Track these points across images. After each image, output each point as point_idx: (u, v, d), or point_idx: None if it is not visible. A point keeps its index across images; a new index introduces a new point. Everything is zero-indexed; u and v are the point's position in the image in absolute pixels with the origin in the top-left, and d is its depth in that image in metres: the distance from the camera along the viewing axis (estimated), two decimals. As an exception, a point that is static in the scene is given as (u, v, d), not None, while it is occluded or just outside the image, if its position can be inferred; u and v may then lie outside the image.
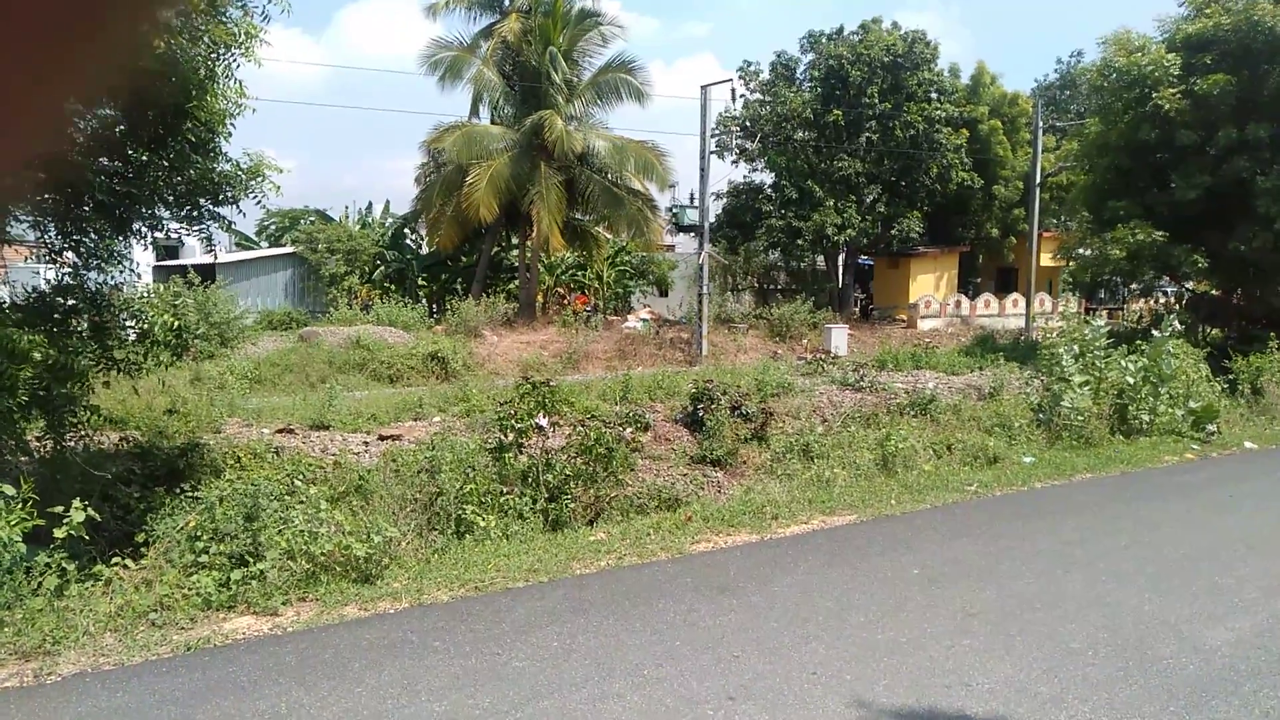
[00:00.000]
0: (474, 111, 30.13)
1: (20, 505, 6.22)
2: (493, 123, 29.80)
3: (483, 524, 8.78)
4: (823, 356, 19.04)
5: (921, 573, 7.53)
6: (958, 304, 34.83)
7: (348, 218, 36.75)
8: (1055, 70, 46.02)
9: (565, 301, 30.74)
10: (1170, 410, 14.66)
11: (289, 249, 33.25)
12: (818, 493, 10.43)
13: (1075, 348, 14.70)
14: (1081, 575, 7.56)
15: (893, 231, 33.51)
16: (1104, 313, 30.75)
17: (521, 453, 10.26)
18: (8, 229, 7.26)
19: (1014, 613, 6.61)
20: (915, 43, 35.75)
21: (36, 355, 6.60)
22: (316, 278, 31.21)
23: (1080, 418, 13.73)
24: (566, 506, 9.74)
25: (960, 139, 35.63)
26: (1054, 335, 15.29)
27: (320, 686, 5.27)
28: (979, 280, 40.97)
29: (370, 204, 46.48)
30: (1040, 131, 31.72)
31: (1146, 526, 9.25)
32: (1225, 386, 16.49)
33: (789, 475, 11.46)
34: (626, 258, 34.06)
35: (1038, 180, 31.43)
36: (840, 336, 24.86)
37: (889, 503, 10.06)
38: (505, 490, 9.58)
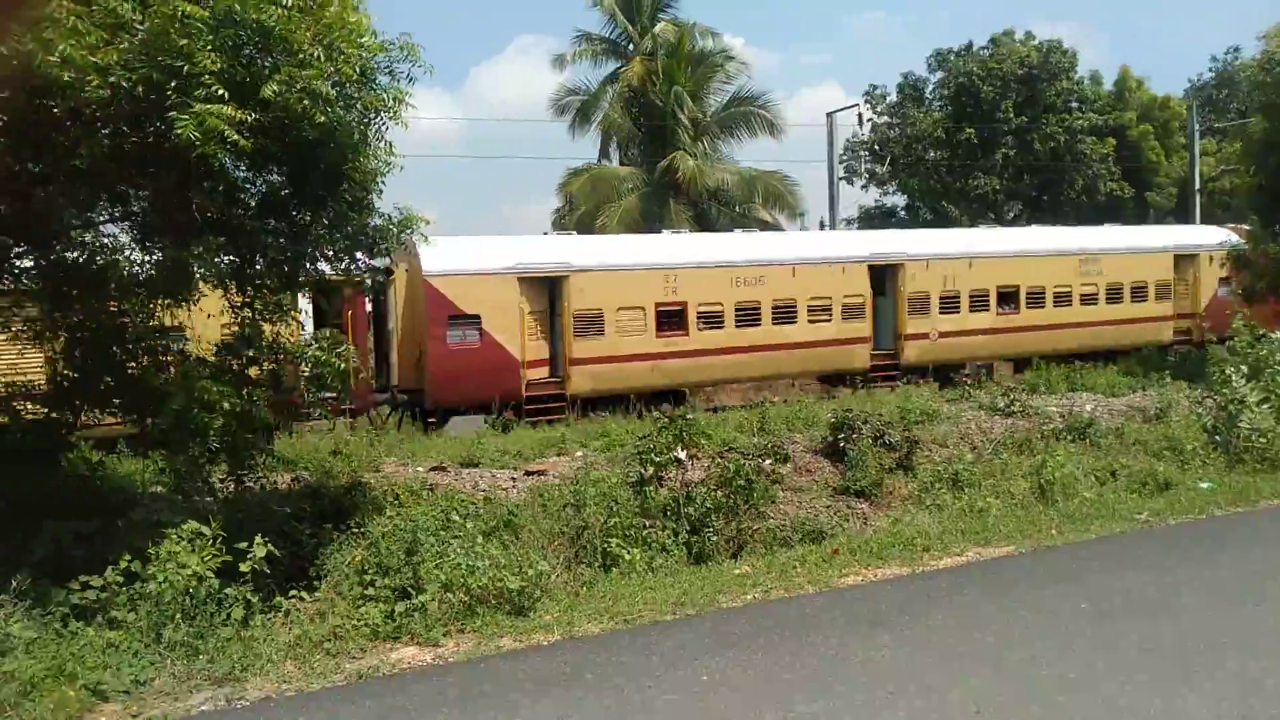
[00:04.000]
0: (603, 153, 31.01)
1: (212, 543, 6.78)
2: (621, 164, 30.57)
3: (628, 557, 8.90)
4: (968, 380, 18.32)
5: (1090, 606, 7.10)
6: (1114, 320, 32.84)
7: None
8: (1210, 69, 43.10)
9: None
10: (1374, 428, 13.28)
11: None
12: (970, 523, 10.02)
13: (1246, 365, 13.58)
14: (1273, 609, 6.96)
15: (1037, 249, 32.12)
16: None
17: (662, 486, 10.35)
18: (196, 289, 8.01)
19: (1196, 649, 6.14)
20: (1051, 52, 34.42)
21: (226, 405, 7.23)
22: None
23: (1263, 439, 12.65)
24: (709, 539, 9.73)
25: (1106, 148, 33.90)
26: (1223, 350, 14.18)
27: (481, 717, 5.46)
28: (1135, 295, 38.52)
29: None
30: (1196, 134, 29.83)
31: (1348, 556, 8.42)
32: None
33: (938, 505, 11.07)
34: (758, 289, 33.94)
35: (1196, 186, 29.49)
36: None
37: (1049, 533, 9.55)
38: (648, 524, 9.68)
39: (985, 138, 33.74)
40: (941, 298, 20.85)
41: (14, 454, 8.20)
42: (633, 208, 26.86)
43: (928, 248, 21.33)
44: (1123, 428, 13.84)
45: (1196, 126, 31.05)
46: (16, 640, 5.79)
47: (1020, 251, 22.25)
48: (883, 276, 20.66)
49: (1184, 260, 24.14)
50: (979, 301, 21.32)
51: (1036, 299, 21.94)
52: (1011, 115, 33.52)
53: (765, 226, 29.04)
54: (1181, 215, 33.19)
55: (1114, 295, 22.85)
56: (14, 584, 6.10)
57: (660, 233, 22.45)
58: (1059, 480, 11.33)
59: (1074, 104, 34.85)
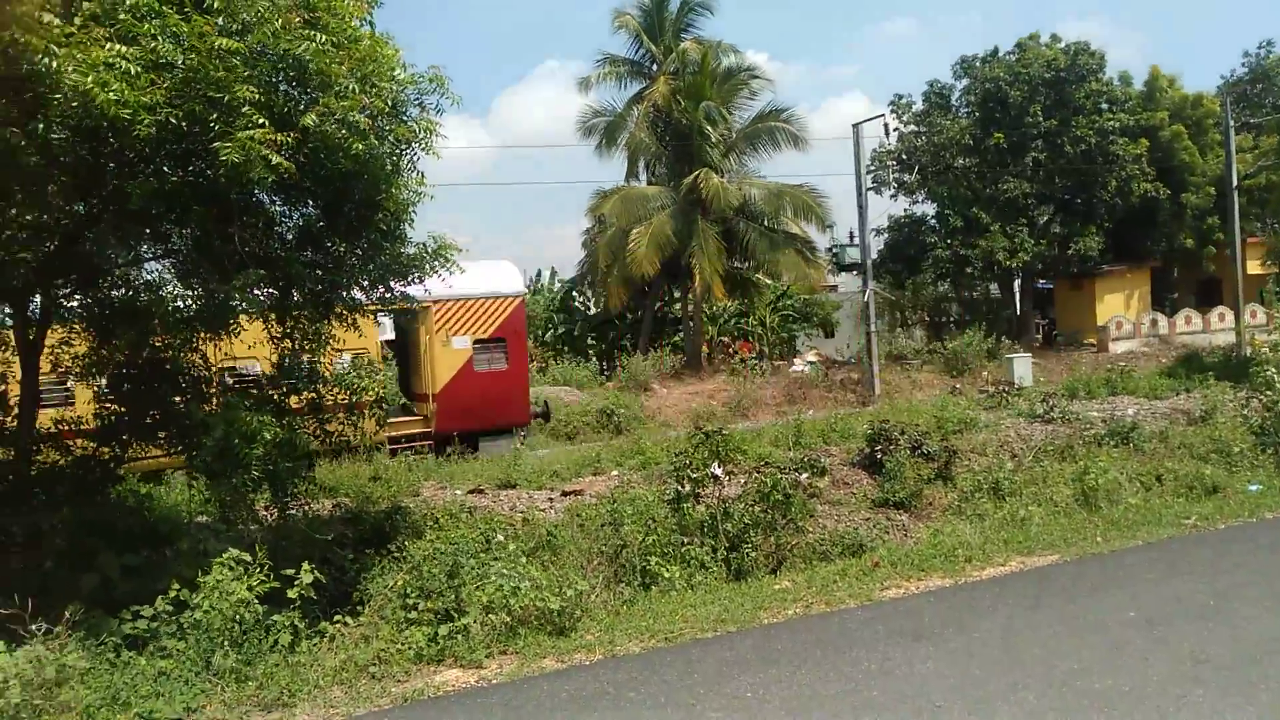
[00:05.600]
0: (631, 174, 31.09)
1: (259, 570, 6.90)
2: (649, 183, 30.65)
3: (667, 575, 8.89)
4: (1005, 388, 18.09)
5: (1139, 615, 6.97)
6: (1154, 323, 32.33)
7: (519, 286, 38.57)
8: (1243, 64, 42.27)
9: (730, 350, 30.80)
10: None
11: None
12: (1013, 532, 9.89)
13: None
14: (1331, 614, 6.78)
15: (1070, 252, 31.62)
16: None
17: (699, 503, 10.34)
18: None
19: (1253, 658, 6.00)
20: (1079, 54, 34.03)
21: (266, 435, 7.37)
22: (495, 345, 32.84)
23: (1313, 439, 12.38)
24: (748, 555, 9.70)
25: (1139, 148, 33.37)
26: (1265, 350, 13.86)
27: (526, 736, 5.48)
28: (1176, 296, 37.89)
29: (540, 271, 48.59)
30: (1231, 131, 29.22)
31: None
32: None
33: (979, 515, 10.94)
34: (789, 302, 33.85)
35: (1234, 183, 28.91)
36: (1024, 366, 23.55)
37: (1094, 540, 9.39)
38: (686, 540, 9.67)
39: (1014, 142, 33.40)
40: None
41: (66, 489, 8.41)
42: (663, 226, 26.94)
43: None
44: (1166, 431, 13.59)
45: (1231, 123, 30.51)
46: (72, 670, 5.91)
47: None
48: None
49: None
50: None
51: None
52: (1040, 119, 33.15)
53: (794, 239, 28.98)
54: (1219, 214, 32.55)
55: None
56: (68, 615, 6.24)
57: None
58: (1102, 487, 11.15)
59: (1104, 105, 34.38)
